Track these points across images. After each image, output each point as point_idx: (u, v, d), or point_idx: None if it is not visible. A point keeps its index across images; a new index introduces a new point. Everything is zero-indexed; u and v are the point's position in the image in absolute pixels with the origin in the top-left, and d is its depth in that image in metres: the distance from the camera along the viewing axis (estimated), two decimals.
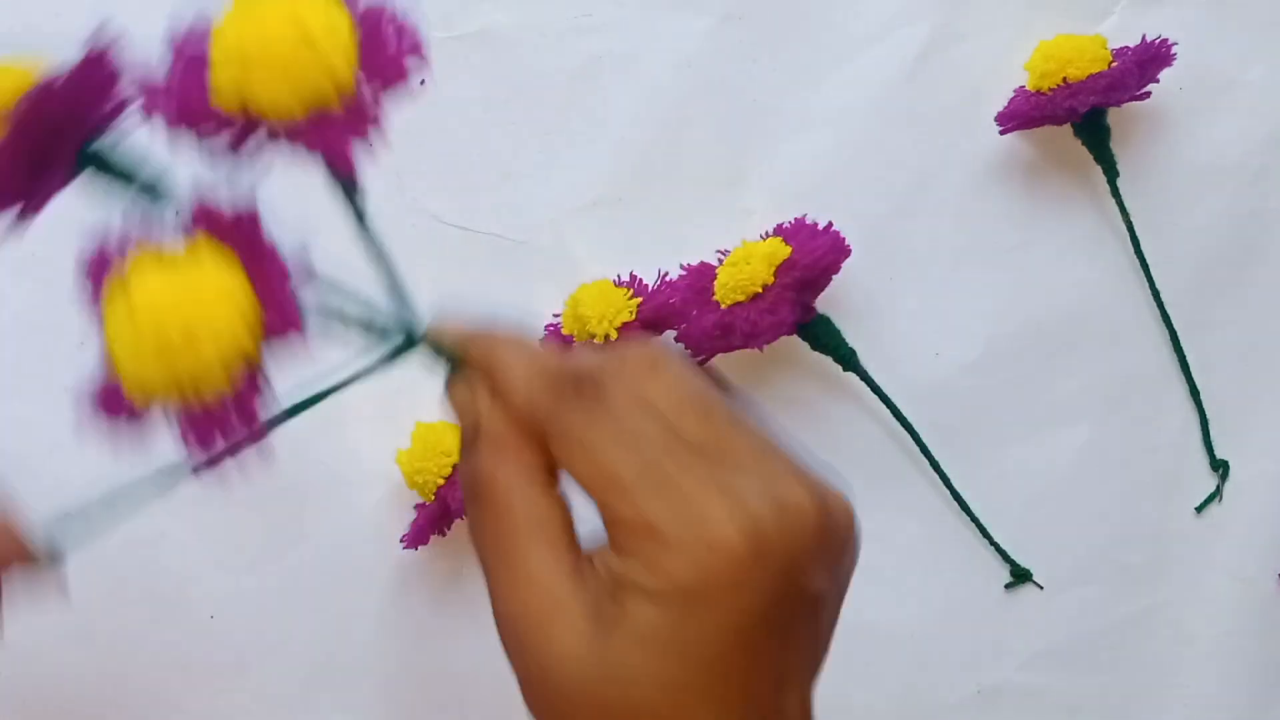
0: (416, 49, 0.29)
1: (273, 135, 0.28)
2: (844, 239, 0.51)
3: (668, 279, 0.52)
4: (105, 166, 0.32)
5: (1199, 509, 0.54)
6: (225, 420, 0.28)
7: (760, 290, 0.49)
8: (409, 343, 0.32)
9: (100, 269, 0.29)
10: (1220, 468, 0.54)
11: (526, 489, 0.29)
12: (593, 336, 0.49)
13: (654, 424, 0.28)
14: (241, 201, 0.29)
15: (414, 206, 0.53)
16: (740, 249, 0.51)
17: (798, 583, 0.28)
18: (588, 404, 0.28)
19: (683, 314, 0.51)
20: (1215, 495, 0.54)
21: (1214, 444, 0.54)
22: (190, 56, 0.29)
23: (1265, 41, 0.55)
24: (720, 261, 0.51)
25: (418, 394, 0.53)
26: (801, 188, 0.54)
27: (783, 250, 0.50)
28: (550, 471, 0.30)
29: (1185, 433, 0.54)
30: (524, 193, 0.54)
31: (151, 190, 0.32)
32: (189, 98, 0.28)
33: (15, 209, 0.31)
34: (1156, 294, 0.54)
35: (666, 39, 0.54)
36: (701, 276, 0.52)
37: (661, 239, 0.53)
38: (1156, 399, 0.54)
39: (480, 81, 0.53)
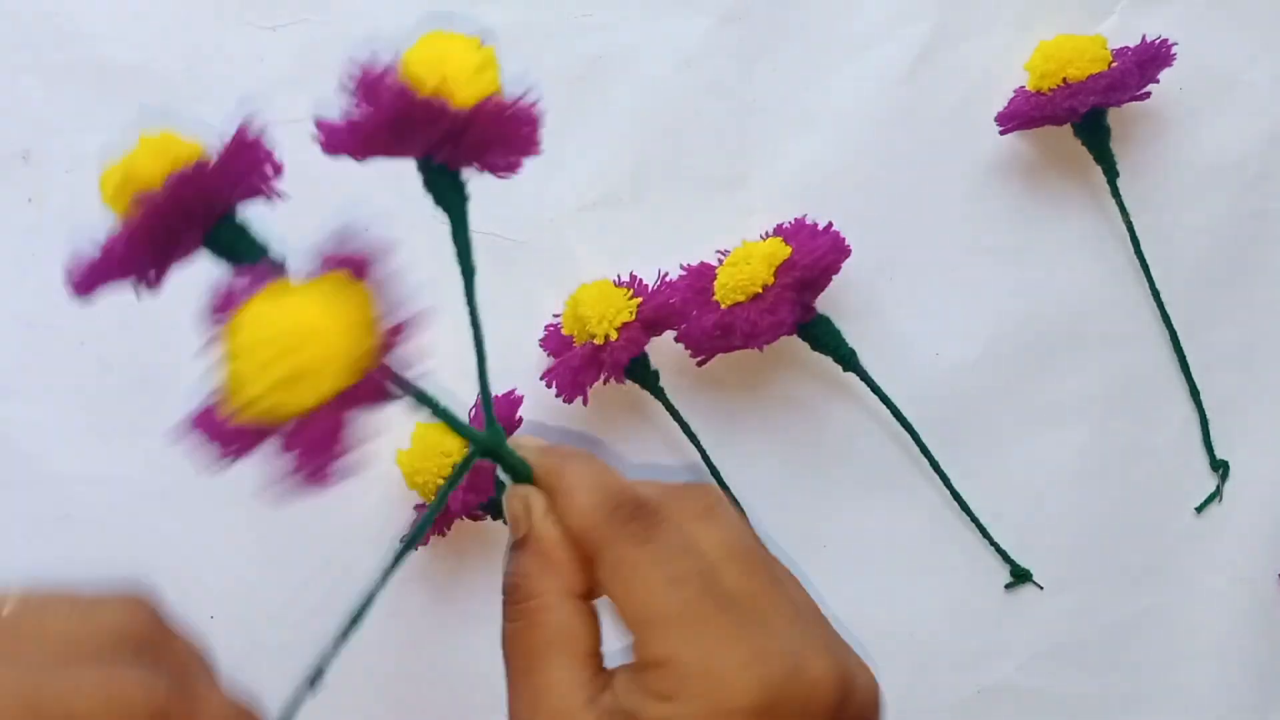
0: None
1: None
2: (844, 239, 0.51)
3: (668, 279, 0.52)
4: (229, 248, 0.32)
5: (1199, 509, 0.54)
6: (329, 444, 0.28)
7: (760, 290, 0.49)
8: (487, 452, 0.33)
9: (227, 302, 0.29)
10: (1220, 468, 0.54)
11: (563, 602, 0.30)
12: (593, 336, 0.49)
13: (699, 568, 0.29)
14: (366, 246, 0.30)
15: (414, 207, 0.53)
16: (740, 249, 0.51)
17: None
18: (641, 535, 0.29)
19: (683, 314, 0.51)
20: (1215, 495, 0.54)
21: (1214, 444, 0.54)
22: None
23: (1265, 41, 0.55)
24: (720, 261, 0.51)
25: None
26: (801, 188, 0.54)
27: (783, 250, 0.50)
28: (588, 591, 0.31)
29: (1185, 433, 0.54)
30: (524, 193, 0.54)
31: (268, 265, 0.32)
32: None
33: (136, 280, 0.31)
34: (1156, 294, 0.54)
35: (666, 39, 0.54)
36: (701, 276, 0.52)
37: (661, 239, 0.53)
38: (1156, 399, 0.54)
39: None
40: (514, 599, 0.31)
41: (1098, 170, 0.53)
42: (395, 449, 0.50)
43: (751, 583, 0.30)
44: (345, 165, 0.39)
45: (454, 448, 0.49)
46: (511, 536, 0.32)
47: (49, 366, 0.52)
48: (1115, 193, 0.53)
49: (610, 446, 0.53)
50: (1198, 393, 0.54)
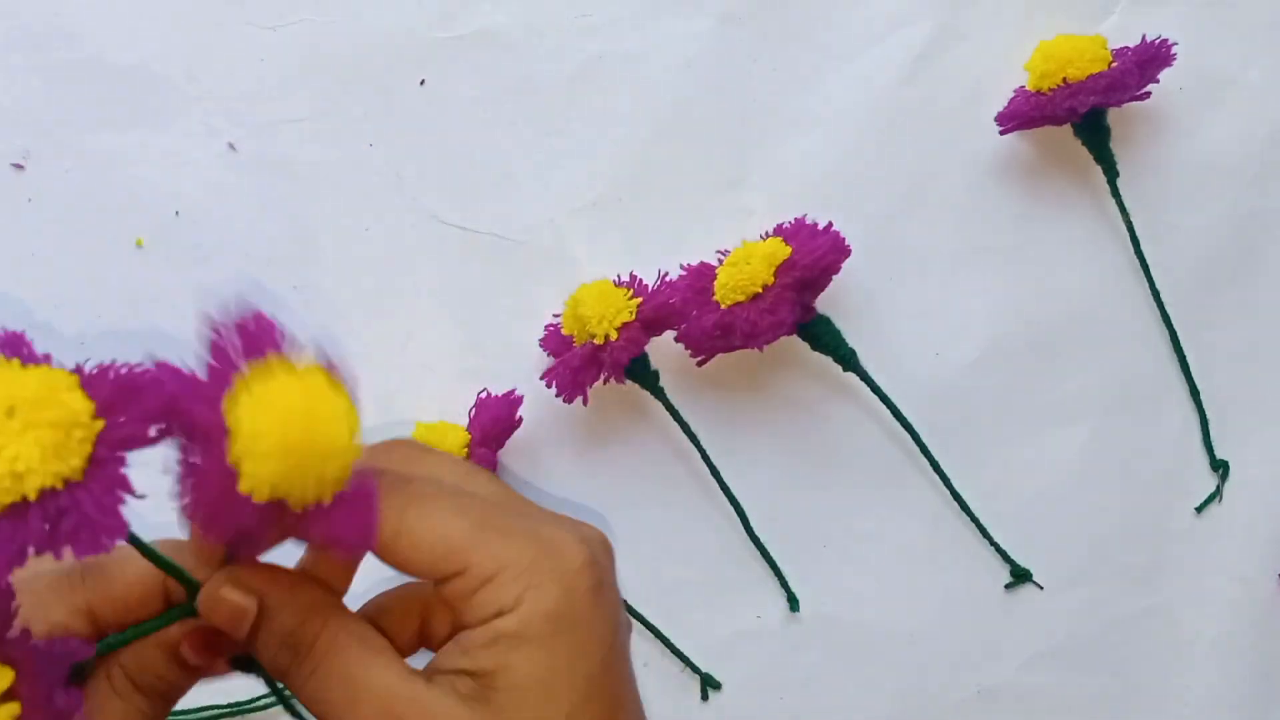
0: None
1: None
2: (844, 239, 0.50)
3: (668, 279, 0.52)
4: None
5: (1199, 509, 0.54)
6: (329, 523, 0.28)
7: (760, 290, 0.49)
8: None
9: (225, 366, 0.28)
10: (1220, 468, 0.54)
11: (346, 616, 0.30)
12: (593, 336, 0.49)
13: (458, 494, 0.29)
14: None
15: (414, 206, 0.53)
16: (740, 249, 0.51)
17: (616, 592, 0.30)
18: (404, 478, 0.29)
19: (683, 314, 0.51)
20: (1215, 495, 0.54)
21: (1214, 444, 0.54)
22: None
23: (1265, 41, 0.55)
24: (720, 261, 0.51)
25: (417, 394, 0.53)
26: (801, 188, 0.54)
27: (783, 250, 0.50)
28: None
29: (1185, 433, 0.54)
30: (524, 193, 0.54)
31: None
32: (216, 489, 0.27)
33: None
34: (1156, 294, 0.54)
35: (667, 40, 0.54)
36: (701, 276, 0.52)
37: (661, 239, 0.53)
38: (1156, 399, 0.54)
39: (480, 81, 0.53)
40: (300, 652, 0.29)
41: (1098, 170, 0.53)
42: (414, 425, 0.50)
43: (500, 488, 0.31)
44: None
45: (454, 447, 0.49)
46: (244, 629, 0.29)
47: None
48: (1115, 193, 0.53)
49: (609, 447, 0.53)
50: (1198, 393, 0.54)
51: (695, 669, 0.53)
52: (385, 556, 0.29)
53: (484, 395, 0.51)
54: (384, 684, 0.28)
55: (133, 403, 0.27)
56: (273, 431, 0.26)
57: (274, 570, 0.30)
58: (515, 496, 0.31)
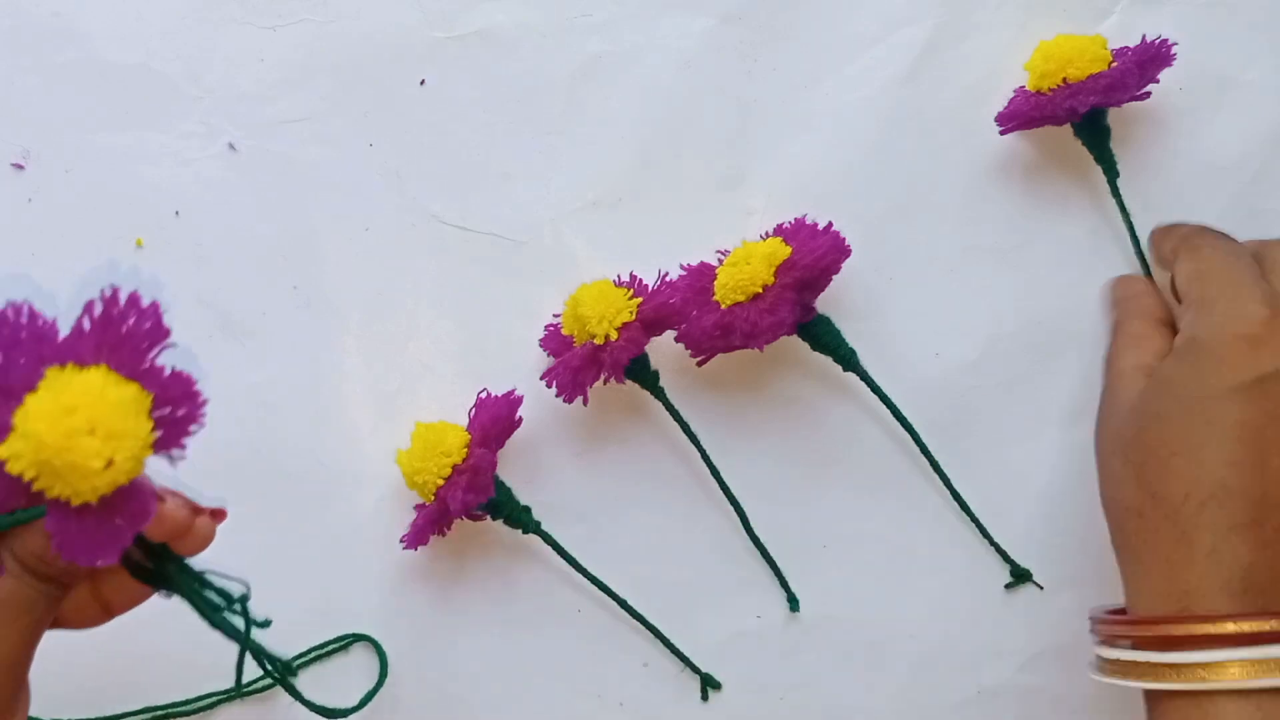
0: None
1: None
2: (844, 239, 0.50)
3: (668, 279, 0.52)
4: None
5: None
6: (103, 521, 0.30)
7: (760, 290, 0.49)
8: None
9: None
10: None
11: None
12: (593, 337, 0.49)
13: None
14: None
15: (414, 206, 0.53)
16: (740, 249, 0.51)
17: None
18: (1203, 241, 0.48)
19: (683, 314, 0.51)
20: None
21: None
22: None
23: (1265, 41, 0.55)
24: (720, 261, 0.51)
25: (417, 394, 0.53)
26: (801, 188, 0.54)
27: (783, 250, 0.50)
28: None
29: None
30: (524, 193, 0.54)
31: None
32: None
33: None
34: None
35: (666, 39, 0.54)
36: (701, 276, 0.52)
37: (661, 239, 0.53)
38: None
39: (480, 81, 0.53)
40: None
41: (1098, 170, 0.53)
42: (395, 449, 0.50)
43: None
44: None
45: (454, 447, 0.49)
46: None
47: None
48: (1115, 192, 0.53)
49: (609, 447, 0.53)
50: None
51: (695, 669, 0.53)
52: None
53: (484, 395, 0.51)
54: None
55: None
56: (34, 431, 0.30)
57: None
58: None
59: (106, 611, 0.39)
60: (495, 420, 0.50)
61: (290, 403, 0.52)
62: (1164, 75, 0.52)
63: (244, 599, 0.38)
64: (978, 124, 0.54)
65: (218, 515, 0.39)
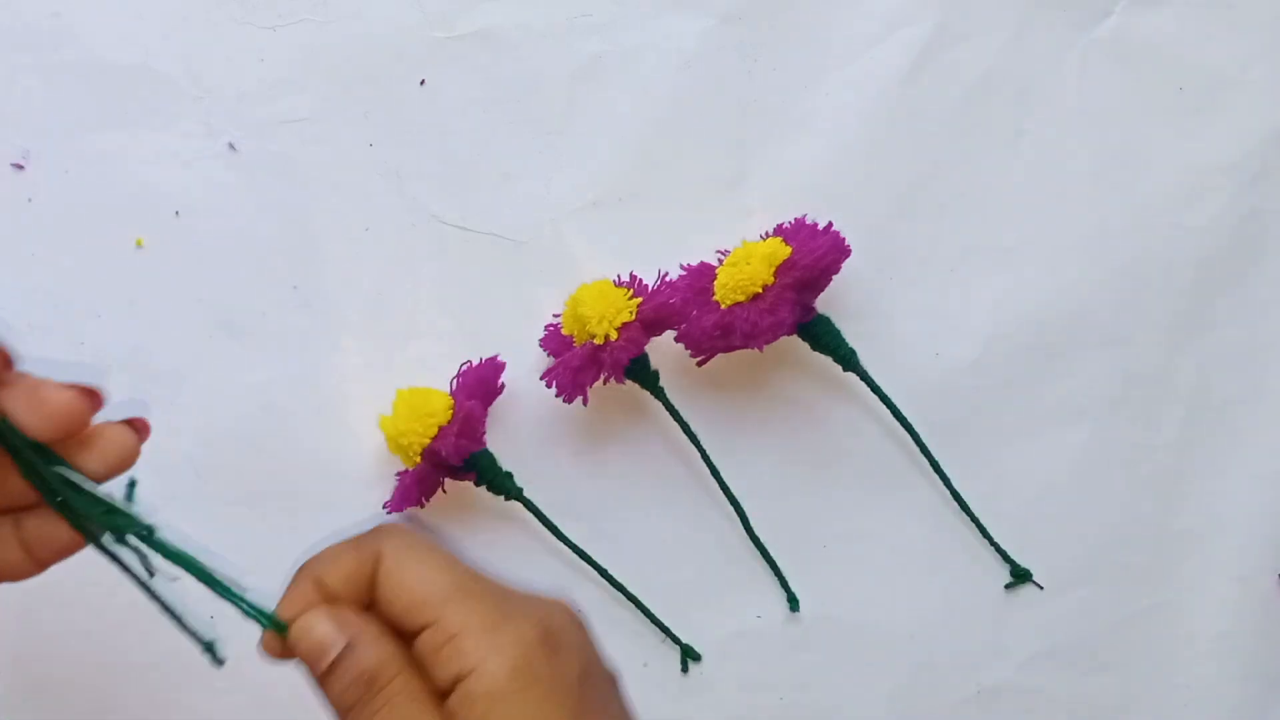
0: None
1: None
2: (844, 239, 0.51)
3: (668, 279, 0.52)
4: None
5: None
6: None
7: (760, 290, 0.49)
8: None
9: None
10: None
11: (414, 670, 0.33)
12: (593, 337, 0.49)
13: (447, 557, 0.34)
14: None
15: (414, 206, 0.53)
16: (740, 249, 0.51)
17: (582, 653, 0.34)
18: (397, 535, 0.35)
19: (683, 314, 0.51)
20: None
21: (1213, 444, 0.54)
22: None
23: (1265, 41, 0.55)
24: (720, 261, 0.51)
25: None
26: (801, 188, 0.54)
27: (783, 250, 0.50)
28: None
29: (1185, 433, 0.54)
30: (524, 193, 0.54)
31: None
32: None
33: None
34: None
35: (666, 39, 0.54)
36: (701, 276, 0.52)
37: (661, 239, 0.53)
38: (1156, 399, 0.54)
39: (480, 81, 0.53)
40: (375, 689, 0.33)
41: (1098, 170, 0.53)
42: (378, 415, 0.50)
43: (476, 573, 0.35)
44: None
45: (439, 408, 0.49)
46: (321, 666, 0.34)
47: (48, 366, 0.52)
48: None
49: (609, 447, 0.53)
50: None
51: (675, 639, 0.52)
52: (376, 594, 0.34)
53: (466, 366, 0.51)
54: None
55: None
56: None
57: (364, 616, 0.34)
58: (494, 579, 0.35)
59: (34, 559, 0.35)
60: (480, 381, 0.50)
61: (290, 403, 0.52)
62: (1164, 75, 0.52)
63: (137, 523, 0.35)
64: (977, 123, 0.54)
65: (139, 428, 0.35)
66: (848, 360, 0.52)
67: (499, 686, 0.32)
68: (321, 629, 0.34)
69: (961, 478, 0.53)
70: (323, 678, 0.34)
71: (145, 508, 0.36)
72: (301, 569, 0.36)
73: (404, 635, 0.34)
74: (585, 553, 0.52)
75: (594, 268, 0.53)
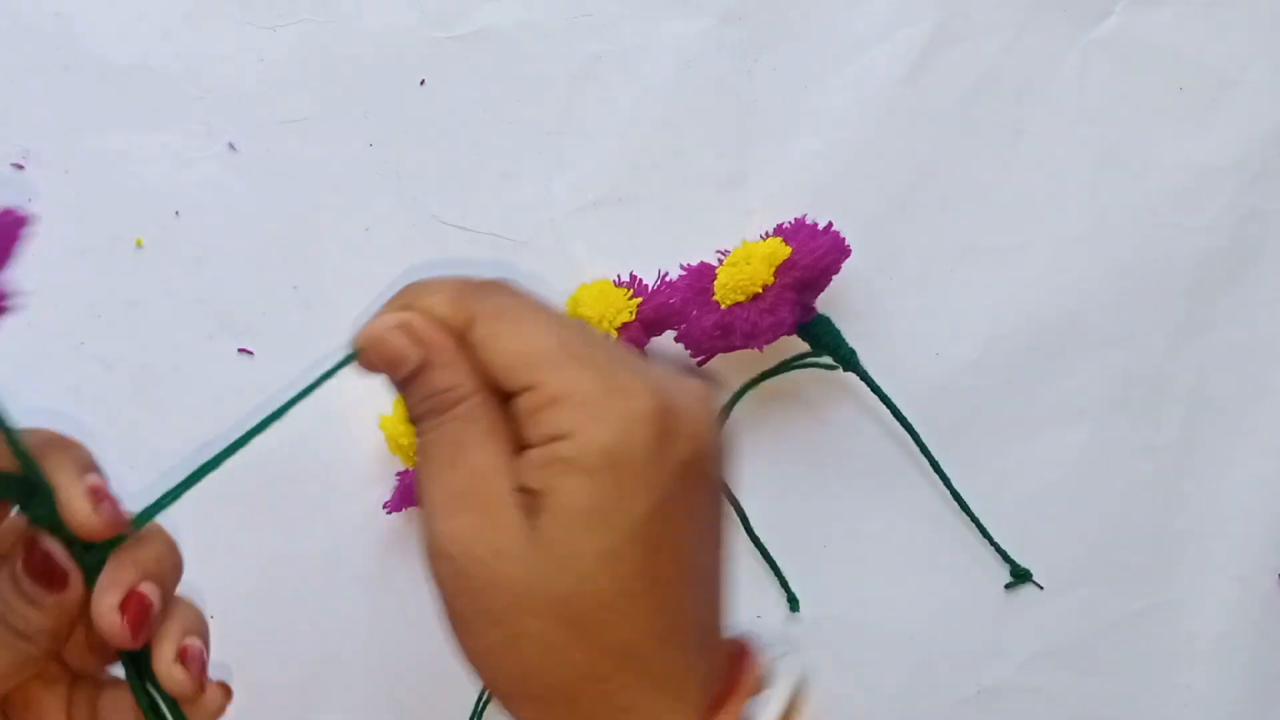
0: None
1: None
2: (844, 239, 0.51)
3: (668, 279, 0.52)
4: None
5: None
6: None
7: (760, 290, 0.49)
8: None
9: None
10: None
11: (484, 394, 0.31)
12: None
13: (558, 319, 0.31)
14: None
15: (414, 206, 0.53)
16: (740, 249, 0.51)
17: (703, 456, 0.30)
18: (509, 292, 0.32)
19: (683, 314, 0.51)
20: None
21: (1214, 443, 0.54)
22: None
23: (1265, 41, 0.55)
24: (720, 261, 0.52)
25: None
26: (801, 188, 0.54)
27: (783, 250, 0.50)
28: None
29: (1185, 433, 0.54)
30: (524, 193, 0.54)
31: None
32: None
33: None
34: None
35: (666, 39, 0.54)
36: (701, 276, 0.52)
37: (661, 239, 0.53)
38: (1156, 399, 0.54)
39: (480, 81, 0.53)
40: (439, 410, 0.31)
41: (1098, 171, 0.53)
42: (378, 415, 0.50)
43: (606, 337, 0.32)
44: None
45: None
46: (401, 374, 0.32)
47: (49, 366, 0.52)
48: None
49: None
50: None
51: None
52: (473, 355, 0.31)
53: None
54: (479, 461, 0.30)
55: None
56: None
57: (444, 333, 0.32)
58: (612, 344, 0.31)
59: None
60: None
61: None
62: (1164, 75, 0.52)
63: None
64: (977, 123, 0.54)
65: (226, 693, 0.35)
66: (848, 360, 0.52)
67: (586, 457, 0.28)
68: (396, 341, 0.32)
69: (961, 478, 0.53)
70: (402, 391, 0.32)
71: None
72: (400, 292, 0.34)
73: (504, 396, 0.30)
74: None
75: (594, 268, 0.53)
